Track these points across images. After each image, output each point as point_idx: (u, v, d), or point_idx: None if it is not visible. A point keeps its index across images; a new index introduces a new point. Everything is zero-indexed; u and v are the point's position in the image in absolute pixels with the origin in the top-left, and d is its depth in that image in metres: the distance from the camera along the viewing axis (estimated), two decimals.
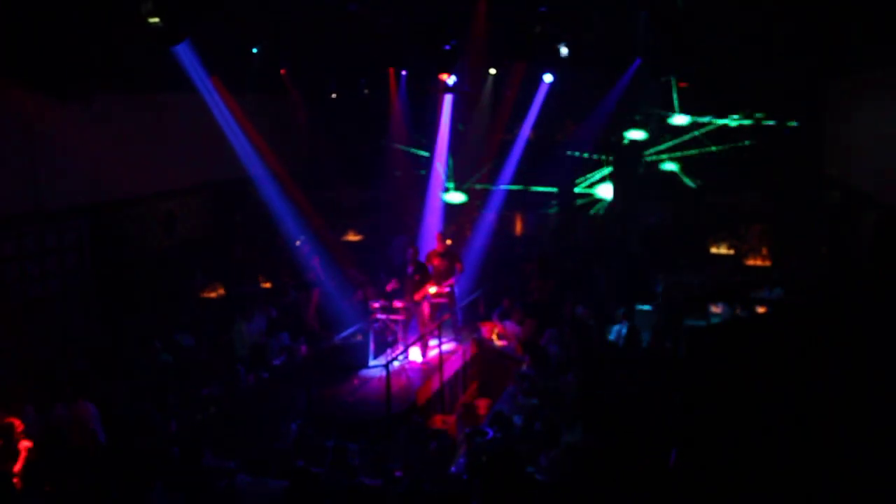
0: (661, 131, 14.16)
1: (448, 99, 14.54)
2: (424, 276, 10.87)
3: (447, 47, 12.22)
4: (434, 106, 14.91)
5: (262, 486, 6.38)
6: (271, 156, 13.44)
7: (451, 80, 13.29)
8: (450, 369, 10.53)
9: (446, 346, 10.79)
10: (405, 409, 9.16)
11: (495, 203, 15.45)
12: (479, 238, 14.62)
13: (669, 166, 14.11)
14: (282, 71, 13.82)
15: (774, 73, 12.74)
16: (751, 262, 12.09)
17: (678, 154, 14.10)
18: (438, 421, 9.26)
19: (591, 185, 15.03)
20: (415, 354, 10.56)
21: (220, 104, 12.14)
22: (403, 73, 15.13)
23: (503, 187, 15.24)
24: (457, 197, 15.64)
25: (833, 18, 10.39)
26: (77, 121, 10.14)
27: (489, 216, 15.54)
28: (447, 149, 15.17)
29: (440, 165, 15.25)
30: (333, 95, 15.90)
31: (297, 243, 12.65)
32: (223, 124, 12.19)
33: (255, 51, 12.15)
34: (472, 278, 12.70)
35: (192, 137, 12.22)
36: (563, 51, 12.76)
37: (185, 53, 10.85)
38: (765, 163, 13.38)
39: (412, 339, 10.63)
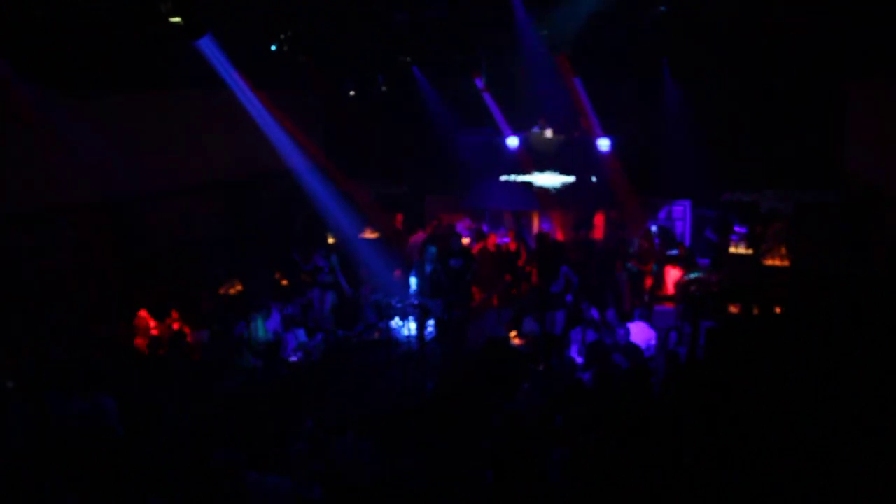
0: None
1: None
2: None
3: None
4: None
5: (272, 483, 6.41)
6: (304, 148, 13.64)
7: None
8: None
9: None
10: (421, 405, 9.19)
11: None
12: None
13: None
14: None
15: (797, 70, 12.62)
16: (769, 262, 11.98)
17: None
18: (454, 417, 9.26)
19: None
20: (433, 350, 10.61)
21: (242, 99, 12.25)
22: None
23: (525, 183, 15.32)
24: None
25: (857, 17, 10.29)
26: (96, 117, 10.25)
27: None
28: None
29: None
30: (352, 93, 15.96)
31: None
32: (255, 118, 12.33)
33: (273, 48, 12.20)
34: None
35: (210, 134, 12.33)
36: None
37: (207, 49, 10.95)
38: (784, 161, 13.28)
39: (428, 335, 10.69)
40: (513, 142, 15.12)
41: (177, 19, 9.54)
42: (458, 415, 8.33)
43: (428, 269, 10.76)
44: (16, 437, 7.22)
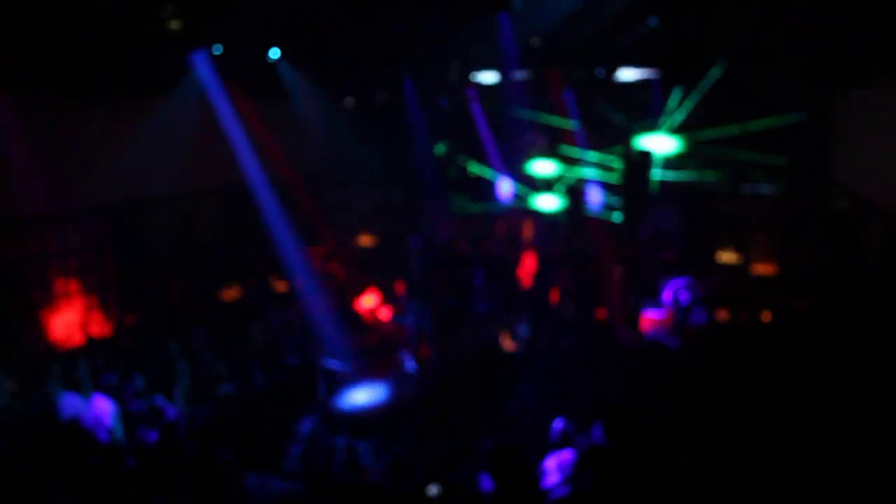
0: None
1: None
2: None
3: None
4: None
5: (271, 486, 6.51)
6: (281, 160, 13.68)
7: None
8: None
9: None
10: (417, 408, 9.32)
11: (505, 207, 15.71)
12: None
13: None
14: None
15: (786, 81, 12.82)
16: (757, 270, 12.18)
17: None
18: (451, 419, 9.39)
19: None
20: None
21: (235, 109, 12.37)
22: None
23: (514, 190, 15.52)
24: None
25: (847, 29, 10.47)
26: (100, 124, 10.35)
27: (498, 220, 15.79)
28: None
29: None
30: (349, 99, 16.11)
31: None
32: (235, 129, 12.42)
33: (274, 56, 12.27)
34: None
35: (209, 141, 12.40)
36: None
37: (201, 59, 11.08)
38: (772, 170, 13.46)
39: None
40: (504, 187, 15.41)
41: (176, 24, 9.64)
42: (455, 417, 8.48)
43: (419, 270, 10.97)
44: (19, 435, 7.32)
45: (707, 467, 6.22)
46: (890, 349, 8.17)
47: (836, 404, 7.09)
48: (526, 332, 11.20)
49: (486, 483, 6.62)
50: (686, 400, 7.80)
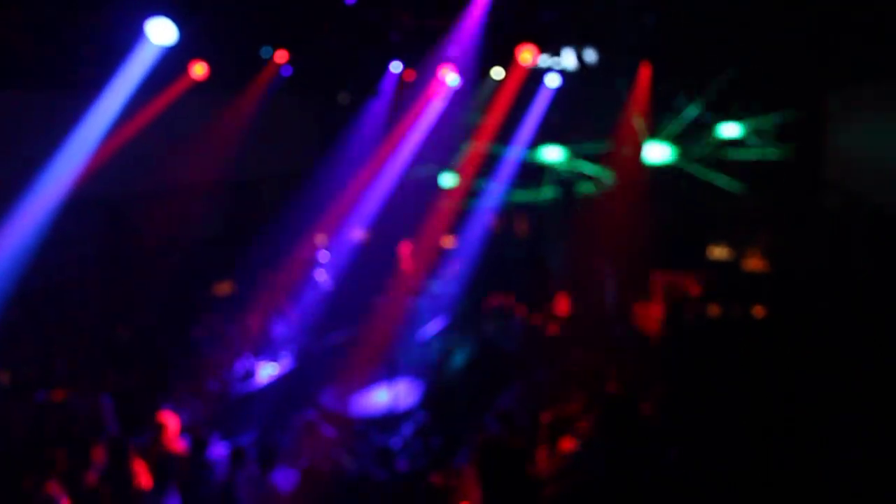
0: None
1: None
2: None
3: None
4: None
5: (265, 479, 6.57)
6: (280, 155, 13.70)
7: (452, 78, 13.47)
8: None
9: None
10: (412, 404, 9.39)
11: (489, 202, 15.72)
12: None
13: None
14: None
15: (776, 78, 12.86)
16: (750, 267, 12.23)
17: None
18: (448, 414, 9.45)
19: None
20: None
21: (232, 105, 12.40)
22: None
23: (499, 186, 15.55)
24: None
25: (837, 29, 10.53)
26: (97, 115, 10.34)
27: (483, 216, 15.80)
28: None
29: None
30: (343, 95, 16.07)
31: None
32: (236, 125, 12.45)
33: (267, 54, 12.26)
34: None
35: (208, 136, 12.43)
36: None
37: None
38: (764, 167, 13.50)
39: None
40: None
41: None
42: (452, 412, 8.57)
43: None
44: (13, 433, 7.35)
45: (697, 462, 6.28)
46: (881, 346, 8.25)
47: (828, 401, 7.16)
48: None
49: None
50: (679, 394, 7.87)
